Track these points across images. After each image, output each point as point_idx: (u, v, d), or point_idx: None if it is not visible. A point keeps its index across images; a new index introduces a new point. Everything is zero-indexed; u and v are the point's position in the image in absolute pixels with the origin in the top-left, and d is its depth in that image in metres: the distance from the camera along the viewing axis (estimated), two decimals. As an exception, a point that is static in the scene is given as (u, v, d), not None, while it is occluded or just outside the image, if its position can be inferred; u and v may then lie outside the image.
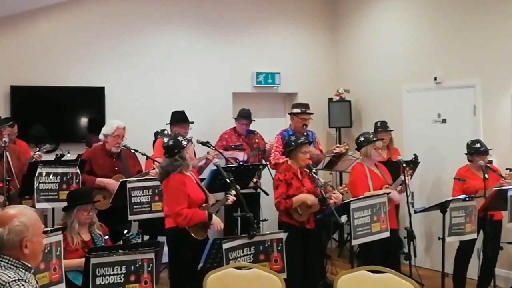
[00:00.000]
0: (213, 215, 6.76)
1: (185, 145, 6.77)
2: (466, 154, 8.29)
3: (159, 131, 9.38)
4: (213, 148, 8.95)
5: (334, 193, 7.45)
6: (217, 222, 6.80)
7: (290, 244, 6.47)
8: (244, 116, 9.99)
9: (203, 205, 6.82)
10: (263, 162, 9.39)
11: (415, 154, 8.84)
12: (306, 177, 7.61)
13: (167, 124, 9.26)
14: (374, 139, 7.93)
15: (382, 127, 9.74)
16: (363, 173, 7.81)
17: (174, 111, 9.30)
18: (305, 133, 9.07)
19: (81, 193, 6.97)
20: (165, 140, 6.89)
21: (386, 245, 7.41)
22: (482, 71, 9.15)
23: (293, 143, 7.59)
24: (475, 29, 9.27)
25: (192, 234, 6.65)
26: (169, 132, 9.09)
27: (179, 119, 9.18)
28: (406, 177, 7.73)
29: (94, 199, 7.04)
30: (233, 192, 6.95)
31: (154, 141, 9.29)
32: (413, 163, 8.65)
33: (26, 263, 3.66)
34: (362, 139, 7.96)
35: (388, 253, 7.53)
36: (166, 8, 10.58)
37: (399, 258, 7.97)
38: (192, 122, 9.22)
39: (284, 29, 11.62)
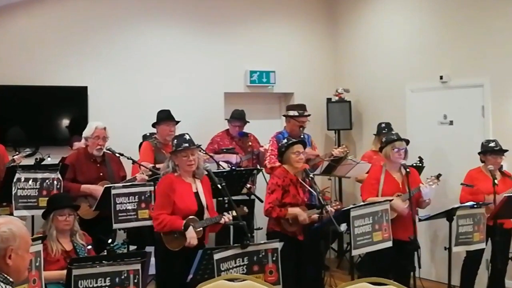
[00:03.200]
0: (190, 227, 6.64)
1: (181, 147, 6.80)
2: (479, 153, 8.32)
3: (148, 134, 9.37)
4: (204, 152, 8.92)
5: (328, 207, 7.35)
6: (190, 236, 6.62)
7: (282, 255, 6.48)
8: (237, 117, 9.99)
9: (190, 216, 6.78)
10: (258, 167, 9.39)
11: (420, 157, 8.78)
12: (300, 188, 7.62)
13: (152, 125, 9.21)
14: (395, 138, 7.83)
15: (387, 128, 9.71)
16: (376, 177, 7.82)
17: (159, 110, 9.25)
18: (301, 136, 9.08)
19: (58, 197, 7.01)
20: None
21: (398, 255, 7.43)
22: (491, 70, 9.17)
23: (284, 146, 7.62)
24: (483, 24, 9.29)
25: (164, 242, 6.68)
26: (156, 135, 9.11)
27: (163, 117, 9.07)
28: (428, 185, 7.69)
29: (77, 206, 7.01)
30: (234, 213, 6.87)
31: (140, 144, 9.27)
32: (418, 168, 8.67)
33: (8, 277, 3.62)
34: (383, 139, 7.95)
35: (400, 264, 7.56)
36: (153, 3, 10.59)
37: (409, 271, 7.88)
38: (178, 121, 9.17)
39: (279, 24, 11.64)
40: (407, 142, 7.96)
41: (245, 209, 7.21)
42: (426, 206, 7.95)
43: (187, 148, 6.81)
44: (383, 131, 9.61)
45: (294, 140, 7.73)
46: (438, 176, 7.79)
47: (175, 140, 6.92)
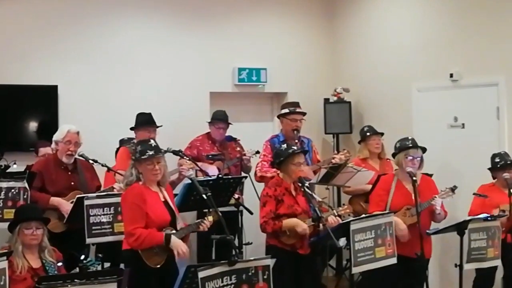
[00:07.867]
0: (172, 237, 6.66)
1: (145, 156, 6.77)
2: (489, 169, 8.37)
3: (126, 139, 9.36)
4: (188, 159, 8.90)
5: (330, 217, 7.38)
6: (177, 245, 6.67)
7: (279, 273, 6.49)
8: (221, 118, 9.95)
9: (167, 227, 6.81)
10: (242, 174, 9.37)
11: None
12: (300, 194, 7.58)
13: (131, 129, 9.22)
14: (409, 145, 7.76)
15: (371, 131, 9.84)
16: (385, 188, 7.81)
17: (139, 113, 9.26)
18: (300, 140, 9.07)
19: (25, 208, 7.01)
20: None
21: (404, 274, 7.45)
22: (506, 67, 9.20)
23: (283, 154, 7.56)
24: (498, 17, 9.31)
25: (144, 259, 6.65)
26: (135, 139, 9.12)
27: (142, 121, 9.12)
28: (442, 198, 7.67)
29: (46, 219, 7.01)
30: (210, 218, 6.91)
31: (117, 150, 9.27)
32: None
33: None
34: (397, 145, 7.88)
35: (406, 283, 7.58)
36: (130, -8, 10.61)
37: None
38: (159, 126, 9.17)
39: (271, 17, 11.67)
40: (424, 150, 7.90)
41: (217, 212, 7.13)
42: (441, 220, 7.91)
43: (152, 156, 6.81)
44: (367, 135, 9.71)
45: (295, 149, 7.63)
46: (453, 189, 7.73)
47: (139, 146, 6.89)
